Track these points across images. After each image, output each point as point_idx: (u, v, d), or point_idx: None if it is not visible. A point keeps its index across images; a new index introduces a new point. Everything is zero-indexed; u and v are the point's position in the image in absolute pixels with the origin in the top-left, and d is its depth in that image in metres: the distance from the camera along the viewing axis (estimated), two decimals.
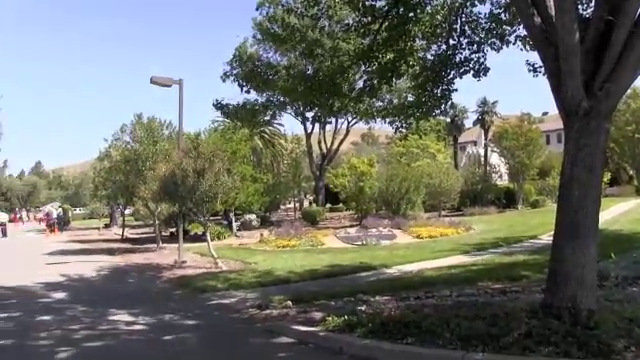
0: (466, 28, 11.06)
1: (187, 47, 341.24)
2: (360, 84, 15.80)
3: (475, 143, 68.00)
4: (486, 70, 11.04)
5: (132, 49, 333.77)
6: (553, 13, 6.73)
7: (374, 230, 23.49)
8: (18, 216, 74.66)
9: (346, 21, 13.08)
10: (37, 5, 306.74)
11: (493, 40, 11.11)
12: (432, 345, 6.15)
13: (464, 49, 11.08)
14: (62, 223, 48.44)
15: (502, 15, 10.83)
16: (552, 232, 7.05)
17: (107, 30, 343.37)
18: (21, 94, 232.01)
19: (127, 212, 38.30)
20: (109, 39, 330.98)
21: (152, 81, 18.57)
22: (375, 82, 12.04)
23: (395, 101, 31.05)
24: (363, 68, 12.70)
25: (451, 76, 11.26)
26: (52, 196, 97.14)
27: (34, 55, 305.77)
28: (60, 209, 57.32)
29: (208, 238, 17.69)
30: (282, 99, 39.96)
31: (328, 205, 44.78)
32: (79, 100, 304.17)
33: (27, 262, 21.04)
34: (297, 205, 48.66)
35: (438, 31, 11.30)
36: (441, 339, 6.21)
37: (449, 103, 12.13)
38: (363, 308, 8.39)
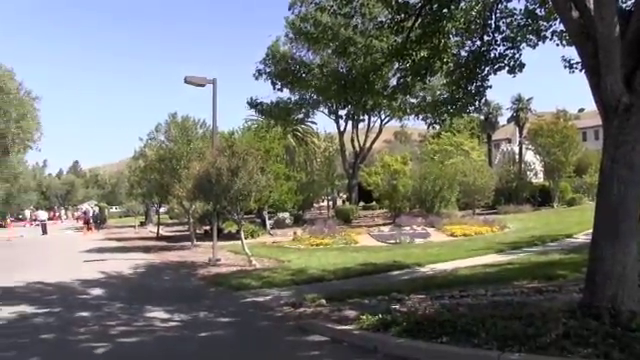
0: (501, 24, 10.90)
1: (220, 46, 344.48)
2: (394, 82, 15.72)
3: (509, 140, 66.99)
4: (521, 66, 10.86)
5: (166, 49, 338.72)
6: (592, 6, 6.59)
7: (408, 228, 23.33)
8: (57, 214, 76.34)
9: (379, 19, 12.99)
10: (68, 9, 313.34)
11: (528, 36, 10.94)
12: (467, 344, 6.10)
13: (499, 45, 10.93)
14: (99, 221, 49.39)
15: (538, 10, 10.65)
16: (589, 231, 6.93)
17: (141, 30, 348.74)
18: (59, 96, 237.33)
19: (162, 210, 38.83)
20: (143, 39, 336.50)
21: (186, 81, 18.73)
22: (409, 79, 11.95)
23: (428, 98, 30.81)
24: (397, 66, 12.62)
25: (485, 73, 11.10)
26: (89, 195, 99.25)
27: (70, 58, 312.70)
28: (97, 207, 58.45)
29: (242, 236, 17.79)
30: (315, 97, 40.02)
31: (361, 203, 44.68)
32: (115, 100, 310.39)
33: (66, 259, 21.47)
34: (330, 203, 48.65)
35: (472, 27, 11.17)
36: (477, 338, 6.15)
37: (483, 100, 11.98)
38: (397, 307, 8.34)
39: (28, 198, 55.54)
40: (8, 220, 52.83)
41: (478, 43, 11.21)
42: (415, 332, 6.75)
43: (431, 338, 6.47)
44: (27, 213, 62.89)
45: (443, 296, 9.11)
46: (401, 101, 30.50)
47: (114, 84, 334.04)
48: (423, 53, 11.08)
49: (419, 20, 10.70)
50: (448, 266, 13.84)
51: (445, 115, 12.89)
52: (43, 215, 49.17)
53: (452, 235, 22.07)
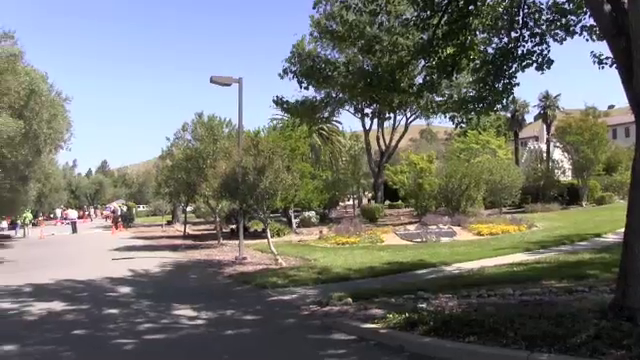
0: (528, 20, 10.74)
1: (245, 46, 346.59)
2: (419, 79, 15.62)
3: (537, 138, 66.10)
4: (550, 63, 10.68)
5: (193, 49, 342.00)
6: (625, 0, 6.45)
7: (434, 227, 23.18)
8: (86, 213, 77.51)
9: (405, 16, 12.89)
10: (98, 11, 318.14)
11: (556, 31, 10.76)
12: (495, 344, 6.04)
13: (526, 41, 10.76)
14: (127, 220, 50.04)
15: (566, 5, 10.47)
16: (620, 230, 6.82)
17: (170, 31, 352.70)
18: (88, 96, 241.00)
19: (188, 209, 39.13)
20: (171, 40, 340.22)
21: (212, 80, 18.86)
22: (435, 77, 11.86)
23: (455, 96, 30.54)
24: (423, 63, 12.53)
25: (513, 70, 10.94)
26: (117, 194, 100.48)
27: (99, 59, 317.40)
28: (125, 206, 59.23)
29: (268, 235, 17.85)
30: (340, 96, 39.97)
31: (387, 202, 44.55)
32: (143, 101, 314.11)
33: (95, 257, 21.82)
34: (356, 202, 48.60)
35: (499, 24, 11.03)
36: (504, 338, 6.08)
37: (510, 98, 11.82)
38: (424, 306, 8.30)
39: (59, 197, 56.46)
40: (40, 219, 53.89)
41: (505, 40, 11.07)
42: (442, 331, 6.71)
43: (458, 337, 6.43)
44: (58, 212, 64.08)
45: (470, 295, 9.04)
46: (427, 99, 30.28)
47: (142, 84, 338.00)
48: (449, 50, 10.97)
49: (445, 17, 10.61)
50: (475, 265, 13.72)
51: (472, 113, 12.75)
52: (73, 214, 50.02)
53: (478, 234, 21.87)
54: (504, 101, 11.72)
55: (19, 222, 43.37)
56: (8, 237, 39.57)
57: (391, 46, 14.30)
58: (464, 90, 27.66)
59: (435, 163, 34.10)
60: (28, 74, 19.36)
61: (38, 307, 10.96)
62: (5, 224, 45.48)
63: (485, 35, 11.57)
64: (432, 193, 31.19)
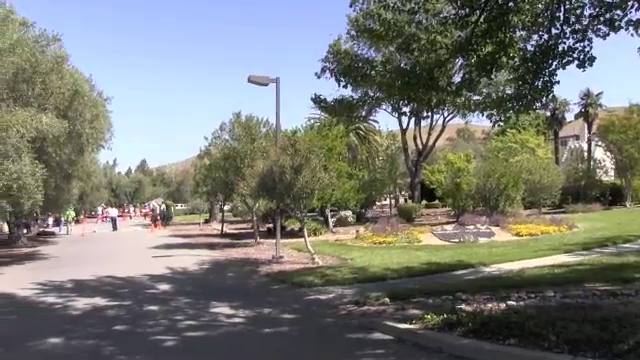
0: (570, 15, 10.50)
1: (282, 46, 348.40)
2: (458, 78, 15.45)
3: (577, 137, 64.83)
4: (592, 60, 10.41)
5: (230, 49, 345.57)
6: None
7: (471, 227, 22.91)
8: (126, 211, 79.01)
9: (443, 14, 12.76)
10: (136, 12, 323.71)
11: (599, 27, 10.49)
12: (536, 348, 5.91)
13: (567, 38, 10.51)
14: (165, 218, 50.81)
15: None
16: None
17: (206, 31, 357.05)
18: (128, 96, 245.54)
19: (226, 208, 39.52)
20: (208, 40, 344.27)
21: (250, 80, 18.98)
22: (474, 75, 11.71)
23: (493, 95, 30.13)
24: (461, 61, 12.39)
25: (553, 67, 10.72)
26: (156, 192, 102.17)
27: (139, 59, 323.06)
28: (163, 205, 60.14)
29: (305, 234, 17.88)
30: (377, 95, 39.88)
31: (424, 202, 44.28)
32: (181, 100, 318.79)
33: (135, 255, 22.24)
34: (392, 202, 48.39)
35: (539, 20, 10.81)
36: (546, 342, 5.94)
37: (550, 96, 11.59)
38: (462, 307, 8.21)
39: (100, 195, 57.68)
40: (82, 216, 55.20)
41: (545, 36, 10.82)
42: (481, 333, 6.62)
43: (498, 340, 6.33)
44: (99, 210, 65.52)
45: (509, 297, 8.89)
46: (465, 98, 29.96)
47: (180, 84, 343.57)
48: (488, 48, 10.80)
49: (484, 14, 10.45)
50: (514, 266, 13.48)
51: (510, 112, 12.54)
52: (114, 212, 51.09)
53: (517, 234, 21.51)
54: (543, 99, 11.49)
55: (63, 219, 44.66)
56: (52, 234, 40.83)
57: (429, 44, 14.10)
58: (502, 88, 27.32)
59: (473, 162, 33.75)
60: (72, 75, 19.84)
61: (81, 302, 11.29)
62: (50, 221, 46.90)
63: (525, 32, 11.37)
64: (470, 193, 30.90)
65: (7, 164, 14.97)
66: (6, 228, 34.54)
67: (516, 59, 11.13)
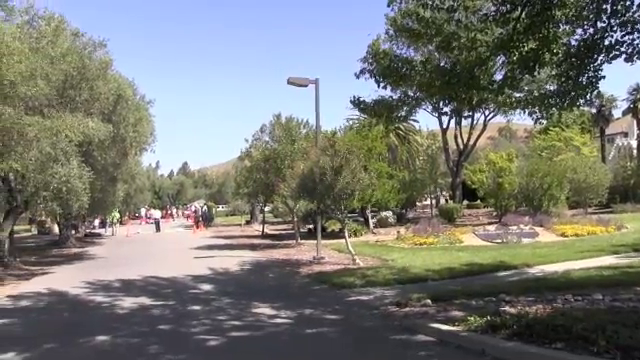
0: (618, 7, 10.14)
1: (320, 47, 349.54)
2: (499, 76, 15.18)
3: (626, 134, 63.03)
4: None
5: (269, 51, 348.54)
6: None
7: (514, 228, 22.52)
8: (169, 213, 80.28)
9: (483, 11, 12.56)
10: (179, 18, 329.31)
11: None
12: (584, 352, 5.70)
13: (615, 31, 10.17)
14: (207, 219, 51.40)
15: None
16: None
17: (247, 34, 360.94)
18: (168, 99, 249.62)
19: (266, 209, 39.77)
20: (248, 43, 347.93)
21: (289, 82, 19.06)
22: (516, 73, 11.47)
23: (535, 91, 29.52)
24: (503, 59, 12.16)
25: (599, 62, 10.40)
26: (198, 194, 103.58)
27: (179, 64, 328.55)
28: (205, 206, 60.89)
29: (346, 235, 17.82)
30: (417, 95, 39.59)
31: (465, 202, 43.77)
32: (222, 103, 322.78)
33: (178, 255, 22.58)
34: (433, 202, 47.96)
35: (584, 13, 10.50)
36: (595, 346, 5.73)
37: (595, 92, 11.26)
38: (506, 309, 8.05)
39: (143, 197, 58.76)
40: (126, 218, 56.37)
41: (591, 30, 10.50)
42: (526, 336, 6.45)
43: (543, 343, 6.14)
44: (142, 211, 66.75)
45: (555, 299, 8.67)
46: (507, 95, 29.43)
47: (221, 87, 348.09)
48: (531, 44, 10.55)
49: (526, 10, 10.22)
50: (559, 267, 13.18)
51: (553, 109, 12.24)
52: (157, 214, 52.00)
53: (562, 235, 21.06)
54: (588, 95, 11.17)
55: (108, 221, 45.72)
56: (99, 235, 41.94)
57: (469, 42, 13.93)
58: (545, 85, 26.73)
59: (515, 162, 33.12)
60: (116, 80, 20.30)
61: (128, 301, 11.58)
62: (96, 223, 48.09)
63: (568, 27, 11.08)
64: (512, 193, 30.38)
65: (57, 168, 15.45)
66: (56, 229, 35.63)
67: (559, 55, 10.85)
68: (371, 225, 29.75)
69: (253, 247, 24.86)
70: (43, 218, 38.09)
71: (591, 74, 10.52)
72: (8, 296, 13.45)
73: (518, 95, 31.98)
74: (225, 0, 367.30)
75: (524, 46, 10.58)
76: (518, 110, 35.13)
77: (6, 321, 10.35)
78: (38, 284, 15.39)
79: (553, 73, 12.80)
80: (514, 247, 18.66)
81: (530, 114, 14.05)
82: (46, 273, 18.20)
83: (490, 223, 27.90)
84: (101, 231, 45.21)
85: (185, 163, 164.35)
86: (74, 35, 18.32)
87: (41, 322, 10.31)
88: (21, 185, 16.49)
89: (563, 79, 11.08)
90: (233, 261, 18.95)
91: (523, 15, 10.29)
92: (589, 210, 32.51)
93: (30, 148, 14.47)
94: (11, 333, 9.30)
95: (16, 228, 23.19)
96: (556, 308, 7.87)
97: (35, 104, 15.54)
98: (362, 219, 30.91)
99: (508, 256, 15.71)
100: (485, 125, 45.71)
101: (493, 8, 11.04)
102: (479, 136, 45.78)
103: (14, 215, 18.95)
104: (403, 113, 44.34)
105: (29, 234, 42.95)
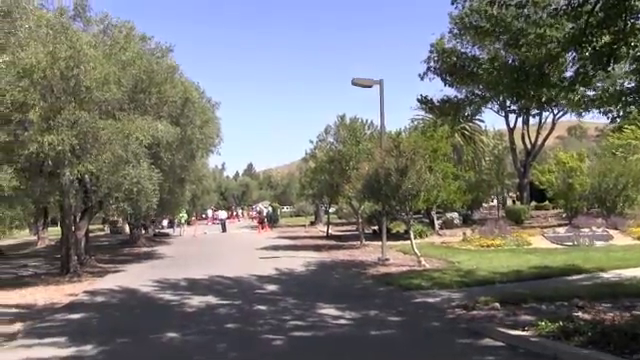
0: None
1: (384, 48, 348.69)
2: (571, 72, 14.68)
3: None
4: None
5: (331, 53, 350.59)
6: None
7: (586, 230, 21.67)
8: (234, 213, 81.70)
9: (553, 6, 12.16)
10: (244, 21, 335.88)
11: None
12: None
13: None
14: (272, 220, 51.98)
15: None
16: None
17: (310, 36, 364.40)
18: (233, 101, 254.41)
19: (331, 210, 39.87)
20: (311, 45, 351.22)
21: (353, 82, 19.06)
22: (589, 69, 11.03)
23: (610, 89, 28.37)
24: (574, 55, 11.72)
25: None
26: (262, 195, 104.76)
27: (243, 66, 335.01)
28: (270, 207, 61.60)
29: (411, 236, 17.62)
30: (484, 93, 38.86)
31: (533, 203, 42.58)
32: (286, 104, 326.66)
33: (243, 255, 22.93)
34: (500, 203, 46.88)
35: None
36: None
37: None
38: (579, 314, 7.76)
39: (210, 198, 60.10)
40: (193, 218, 57.80)
41: None
42: (602, 344, 6.16)
43: (622, 353, 5.84)
44: (209, 212, 68.22)
45: (634, 306, 8.29)
46: (579, 94, 28.42)
47: (286, 89, 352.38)
48: (605, 38, 10.11)
49: (600, 2, 9.80)
50: (637, 272, 12.57)
51: (632, 107, 11.72)
52: (223, 214, 52.99)
53: (639, 238, 20.12)
54: None
55: (176, 221, 47.06)
56: (167, 235, 43.27)
57: (538, 39, 13.55)
58: (621, 81, 25.67)
59: (586, 162, 31.90)
60: (182, 84, 20.79)
61: (195, 300, 11.91)
62: (165, 223, 49.57)
63: None
64: (583, 194, 29.23)
65: (128, 169, 15.99)
66: (127, 229, 36.98)
67: (638, 48, 10.36)
68: (436, 226, 29.36)
69: (317, 248, 24.94)
70: (115, 218, 39.56)
71: None
72: (85, 292, 14.22)
73: (592, 93, 30.89)
74: (289, 4, 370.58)
75: (598, 40, 10.13)
76: (591, 109, 33.87)
77: (84, 315, 10.96)
78: (111, 281, 16.09)
79: (630, 69, 12.27)
80: (586, 250, 17.99)
81: (605, 113, 13.52)
82: (118, 271, 18.97)
83: (560, 225, 26.98)
84: (169, 231, 46.58)
85: (250, 164, 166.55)
86: (142, 39, 18.94)
87: (115, 318, 10.79)
88: (95, 186, 17.17)
89: None
90: (298, 262, 19.08)
91: (597, 8, 9.87)
92: None
93: (103, 150, 15.04)
94: (88, 327, 9.78)
95: (91, 227, 24.20)
96: (636, 316, 7.51)
97: (108, 108, 16.15)
98: (427, 220, 30.51)
99: (580, 259, 15.16)
100: (554, 124, 44.35)
101: (564, 2, 10.65)
102: (547, 135, 44.44)
103: (89, 215, 19.83)
104: (468, 112, 43.67)
105: (102, 233, 44.95)
